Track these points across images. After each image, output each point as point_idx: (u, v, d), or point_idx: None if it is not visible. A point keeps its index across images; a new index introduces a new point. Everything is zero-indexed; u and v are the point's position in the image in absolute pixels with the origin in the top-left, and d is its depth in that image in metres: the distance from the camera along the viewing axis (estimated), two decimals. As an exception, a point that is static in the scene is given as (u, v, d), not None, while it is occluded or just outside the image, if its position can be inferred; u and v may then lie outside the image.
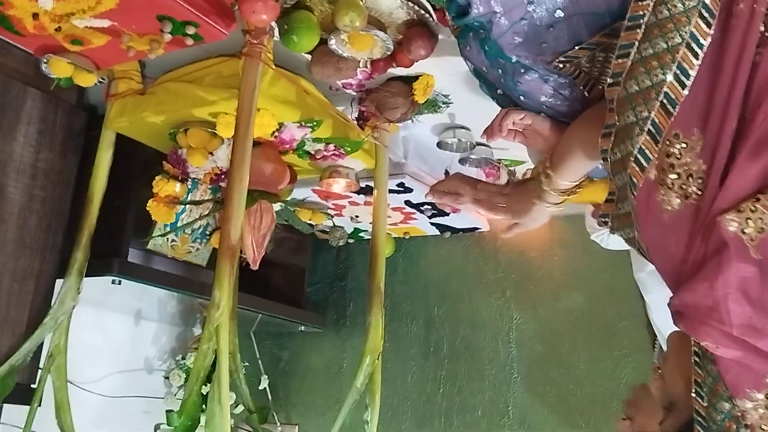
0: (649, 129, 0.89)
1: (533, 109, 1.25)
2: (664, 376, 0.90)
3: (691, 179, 0.85)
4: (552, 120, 1.25)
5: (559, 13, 1.02)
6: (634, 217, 0.93)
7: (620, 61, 0.95)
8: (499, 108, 1.33)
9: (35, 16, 1.41)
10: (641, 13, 0.92)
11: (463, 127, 1.97)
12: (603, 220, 1.14)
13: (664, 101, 0.87)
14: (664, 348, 1.69)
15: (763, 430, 0.73)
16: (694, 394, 0.79)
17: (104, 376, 2.39)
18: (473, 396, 2.44)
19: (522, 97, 1.24)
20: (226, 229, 1.40)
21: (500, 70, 1.20)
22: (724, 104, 0.83)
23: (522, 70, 1.15)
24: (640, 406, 1.07)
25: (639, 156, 0.90)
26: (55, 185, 1.80)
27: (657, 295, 1.71)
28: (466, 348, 2.51)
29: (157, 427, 2.37)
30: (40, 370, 1.72)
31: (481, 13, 1.04)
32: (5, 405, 1.70)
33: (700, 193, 0.84)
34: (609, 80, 0.97)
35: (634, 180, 0.91)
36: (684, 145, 0.87)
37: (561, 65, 1.11)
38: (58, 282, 1.79)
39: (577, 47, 1.07)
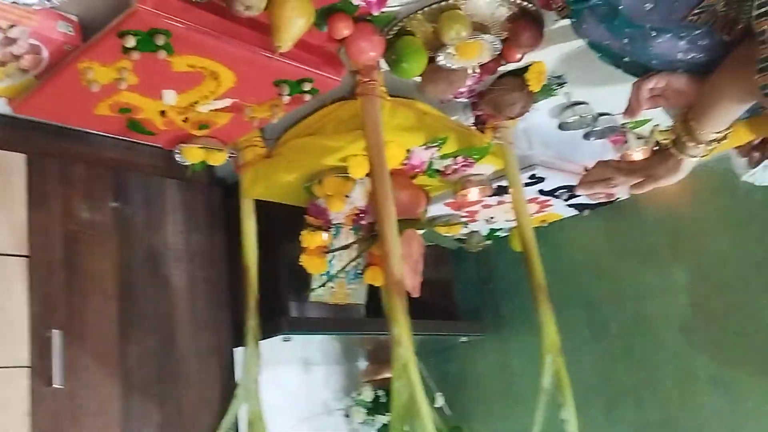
0: None
1: (667, 69, 1.21)
2: None
3: None
4: (688, 73, 1.20)
5: (690, -32, 0.98)
6: None
7: None
8: (627, 74, 1.29)
9: (163, 113, 1.48)
10: None
11: (581, 103, 1.92)
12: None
13: None
14: None
15: None
16: None
17: (290, 427, 2.47)
18: (657, 368, 2.35)
19: (654, 60, 1.20)
20: (388, 266, 1.41)
21: (627, 39, 1.16)
22: None
23: (653, 34, 1.11)
24: None
25: None
26: (210, 263, 1.89)
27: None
28: (636, 321, 2.42)
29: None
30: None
31: (606, -9, 1.01)
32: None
33: None
34: (756, 12, 0.92)
35: None
36: None
37: (696, 17, 1.06)
38: (236, 350, 1.88)
39: (710, -6, 1.02)
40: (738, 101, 1.12)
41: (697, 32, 1.09)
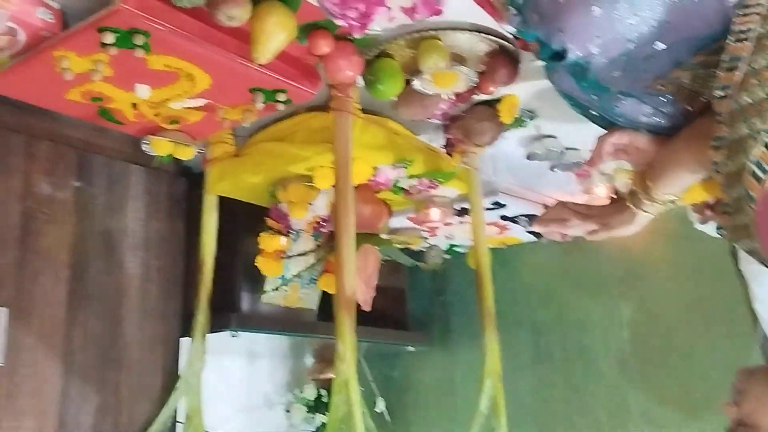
0: (765, 141, 0.88)
1: (632, 127, 1.25)
2: None
3: None
4: (651, 133, 1.24)
5: (659, 45, 1.01)
6: (754, 229, 0.92)
7: (729, 74, 0.94)
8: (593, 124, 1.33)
9: (134, 106, 1.48)
10: (748, 27, 0.91)
11: (550, 136, 1.96)
12: (720, 232, 1.13)
13: None
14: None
15: None
16: None
17: (229, 418, 2.48)
18: (592, 397, 2.42)
19: (619, 118, 1.23)
20: (340, 282, 1.43)
21: (594, 96, 1.20)
22: None
23: (619, 96, 1.15)
24: (747, 392, 1.05)
25: (755, 169, 0.89)
26: (167, 252, 1.89)
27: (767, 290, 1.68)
28: (578, 349, 2.49)
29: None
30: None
31: (578, 56, 1.04)
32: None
33: None
34: (718, 93, 0.96)
35: (751, 193, 0.89)
36: None
37: (661, 86, 1.10)
38: (182, 340, 1.88)
39: (677, 69, 1.06)
40: (692, 171, 1.17)
41: (661, 100, 1.13)
